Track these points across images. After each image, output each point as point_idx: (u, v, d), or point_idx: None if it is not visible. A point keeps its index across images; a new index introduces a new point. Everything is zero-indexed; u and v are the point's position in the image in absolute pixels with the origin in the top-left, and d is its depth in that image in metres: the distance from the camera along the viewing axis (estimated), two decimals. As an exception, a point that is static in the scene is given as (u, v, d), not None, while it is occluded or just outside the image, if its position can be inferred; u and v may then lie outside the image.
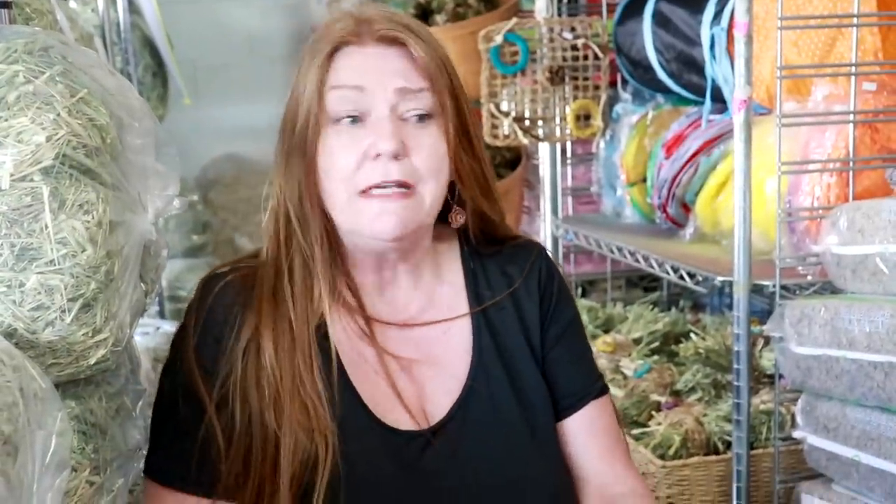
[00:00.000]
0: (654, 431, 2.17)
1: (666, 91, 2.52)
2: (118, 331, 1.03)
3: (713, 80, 2.23)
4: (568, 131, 2.71)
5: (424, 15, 3.10)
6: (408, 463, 1.20)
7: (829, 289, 1.83)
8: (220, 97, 3.79)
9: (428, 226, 1.25)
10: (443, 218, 1.28)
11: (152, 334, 2.50)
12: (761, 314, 2.31)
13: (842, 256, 1.69)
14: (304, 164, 1.20)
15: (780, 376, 1.90)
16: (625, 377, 2.47)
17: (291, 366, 1.19)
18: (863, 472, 1.66)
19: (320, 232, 1.22)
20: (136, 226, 1.05)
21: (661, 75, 2.45)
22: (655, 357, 2.51)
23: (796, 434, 1.81)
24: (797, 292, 1.87)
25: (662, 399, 2.29)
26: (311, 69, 1.20)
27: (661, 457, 2.08)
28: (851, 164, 1.87)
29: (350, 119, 1.19)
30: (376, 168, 1.17)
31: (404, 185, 1.18)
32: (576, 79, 2.69)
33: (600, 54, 2.67)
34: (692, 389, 2.31)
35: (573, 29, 2.67)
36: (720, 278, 1.98)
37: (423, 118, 1.20)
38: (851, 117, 1.86)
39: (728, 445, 2.05)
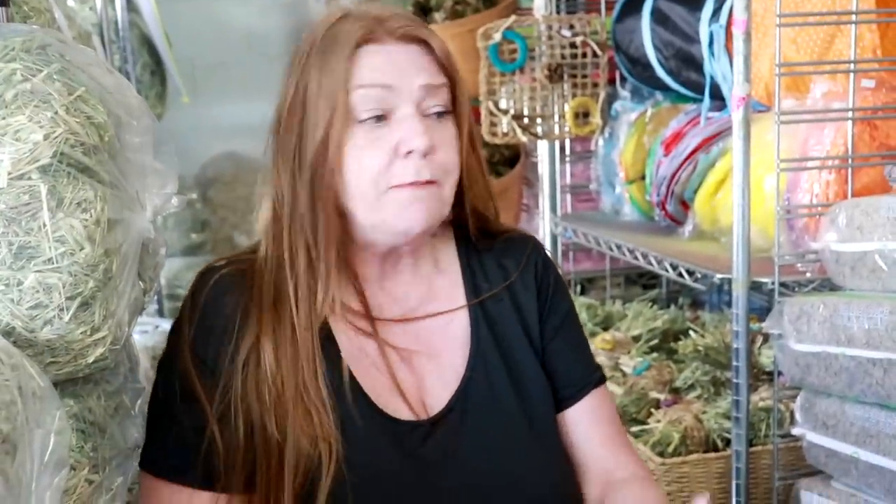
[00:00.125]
0: (653, 429, 2.17)
1: (665, 88, 2.52)
2: (116, 329, 1.03)
3: (712, 78, 2.23)
4: (567, 129, 2.71)
5: (423, 12, 3.10)
6: (409, 452, 1.21)
7: (827, 286, 1.83)
8: (219, 95, 3.79)
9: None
10: None
11: (151, 333, 2.50)
12: (760, 311, 2.31)
13: (840, 253, 1.69)
14: (320, 163, 1.19)
15: (779, 373, 1.90)
16: (624, 374, 2.47)
17: (294, 373, 1.18)
18: (862, 469, 1.67)
19: (331, 230, 1.21)
20: (135, 224, 1.05)
21: (660, 73, 2.45)
22: (654, 354, 2.51)
23: (795, 431, 1.81)
24: (796, 289, 1.87)
25: (661, 396, 2.29)
26: (329, 68, 1.19)
27: (661, 454, 2.08)
28: (850, 161, 1.87)
29: (375, 118, 1.19)
30: (407, 166, 1.18)
31: (431, 182, 1.20)
32: (574, 76, 2.69)
33: (599, 52, 2.67)
34: (691, 387, 2.31)
35: (572, 26, 2.67)
36: (719, 275, 1.98)
37: (441, 114, 1.22)
38: (850, 114, 1.86)
39: (727, 442, 2.05)
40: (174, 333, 1.25)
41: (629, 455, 1.33)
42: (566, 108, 2.69)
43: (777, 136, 1.82)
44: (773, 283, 1.86)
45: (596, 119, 2.70)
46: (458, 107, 1.24)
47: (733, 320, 1.88)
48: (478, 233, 1.33)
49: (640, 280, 3.25)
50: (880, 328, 1.56)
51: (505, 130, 2.68)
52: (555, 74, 2.66)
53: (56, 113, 0.96)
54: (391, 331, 1.27)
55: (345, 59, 1.18)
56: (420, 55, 1.22)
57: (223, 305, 1.22)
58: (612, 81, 2.78)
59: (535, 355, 1.31)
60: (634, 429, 2.21)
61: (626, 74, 2.67)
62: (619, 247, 2.47)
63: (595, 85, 2.70)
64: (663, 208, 2.39)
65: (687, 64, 2.35)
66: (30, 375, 0.86)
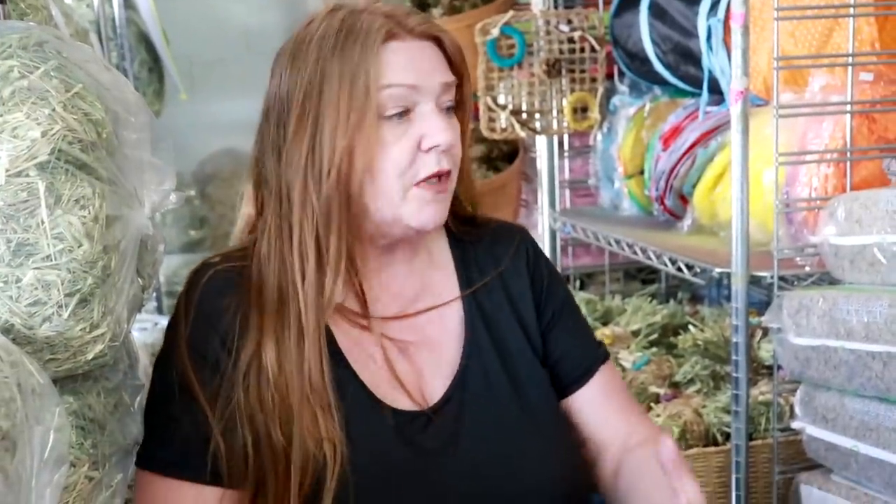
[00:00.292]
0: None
1: (663, 83, 2.52)
2: (116, 326, 1.02)
3: (710, 72, 2.23)
4: (565, 124, 2.71)
5: (421, 8, 3.10)
6: (410, 442, 1.22)
7: (827, 279, 1.83)
8: (217, 92, 3.78)
9: None
10: None
11: (150, 330, 2.50)
12: (759, 305, 2.31)
13: (839, 247, 1.69)
14: (342, 160, 1.18)
15: (779, 367, 1.90)
16: (623, 369, 2.47)
17: (300, 375, 1.18)
18: (861, 462, 1.67)
19: (344, 227, 1.21)
20: (133, 220, 1.05)
21: (658, 67, 2.45)
22: (654, 349, 2.51)
23: (795, 425, 1.81)
24: (795, 283, 1.87)
25: (661, 391, 2.29)
26: (351, 65, 1.18)
27: (660, 449, 2.07)
28: (849, 154, 1.86)
29: (399, 115, 1.20)
30: (430, 160, 1.20)
31: (447, 175, 1.23)
32: (573, 71, 2.69)
33: (597, 46, 2.67)
34: (691, 381, 2.31)
35: (570, 21, 2.66)
36: (718, 270, 1.98)
37: (449, 110, 1.25)
38: (848, 107, 1.85)
39: (727, 437, 2.05)
40: (171, 332, 1.25)
41: (642, 421, 1.36)
42: (564, 103, 2.69)
43: (775, 129, 1.81)
44: (772, 277, 1.86)
45: (594, 114, 2.70)
46: (462, 101, 1.28)
47: (732, 314, 1.88)
48: (466, 225, 1.35)
49: (640, 275, 3.24)
50: (879, 321, 1.56)
51: (503, 126, 2.68)
52: (553, 69, 2.65)
53: (53, 110, 0.96)
54: (388, 325, 1.27)
55: (371, 57, 1.18)
56: (435, 53, 1.24)
57: (220, 307, 1.22)
58: (610, 76, 2.78)
59: (528, 343, 1.33)
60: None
61: (624, 69, 2.67)
62: (618, 242, 2.47)
63: (593, 80, 2.70)
64: (662, 203, 2.39)
65: (685, 58, 2.35)
66: (29, 372, 0.86)
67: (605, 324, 2.68)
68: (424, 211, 1.22)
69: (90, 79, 1.02)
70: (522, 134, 2.73)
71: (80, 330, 0.99)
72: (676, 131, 2.35)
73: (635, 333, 2.58)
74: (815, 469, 1.82)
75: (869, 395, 1.64)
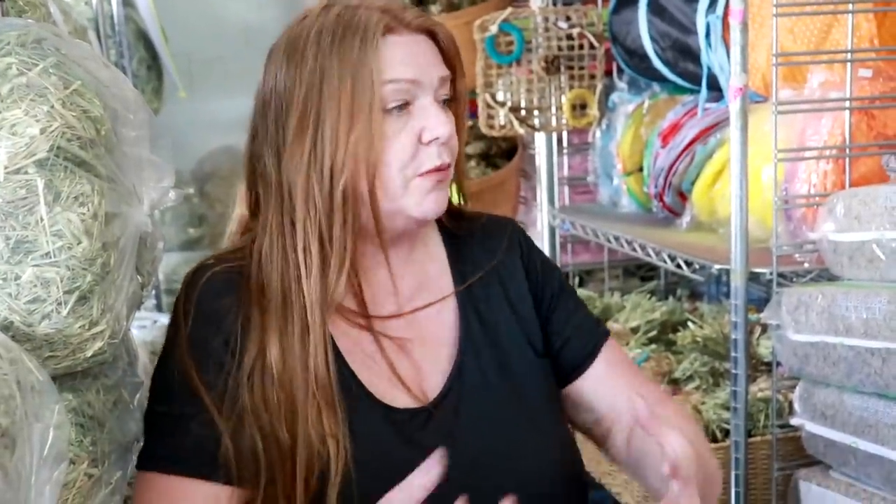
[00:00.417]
0: (652, 420, 2.17)
1: (662, 80, 2.52)
2: (115, 323, 1.02)
3: (709, 69, 2.22)
4: (564, 121, 2.71)
5: (420, 5, 3.09)
6: (410, 439, 1.22)
7: (826, 276, 1.83)
8: (216, 90, 3.78)
9: None
10: None
11: (149, 328, 2.50)
12: (758, 302, 2.31)
13: (838, 243, 1.69)
14: (347, 156, 1.19)
15: (778, 364, 1.90)
16: (623, 366, 2.47)
17: (304, 373, 1.18)
18: (860, 459, 1.67)
19: (348, 222, 1.21)
20: (132, 218, 1.05)
21: (657, 64, 2.44)
22: (653, 346, 2.51)
23: (794, 421, 1.81)
24: (794, 280, 1.87)
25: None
26: (351, 60, 1.19)
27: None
28: (848, 150, 1.86)
29: (398, 108, 1.21)
30: (431, 153, 1.22)
31: (447, 167, 1.24)
32: (571, 68, 2.69)
33: (596, 43, 2.67)
34: (690, 378, 2.31)
35: (568, 18, 2.66)
36: (717, 266, 1.98)
37: (445, 103, 1.26)
38: (847, 104, 1.85)
39: (726, 433, 2.05)
40: (171, 334, 1.24)
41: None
42: (563, 99, 2.69)
43: (774, 126, 1.81)
44: (771, 274, 1.86)
45: (593, 111, 2.70)
46: (457, 95, 1.28)
47: (731, 311, 1.88)
48: (457, 220, 1.36)
49: (639, 272, 3.25)
50: (878, 318, 1.57)
51: (502, 123, 2.68)
52: (552, 66, 2.65)
53: (52, 107, 0.96)
54: (386, 323, 1.27)
55: (371, 52, 1.19)
56: (431, 47, 1.25)
57: (221, 308, 1.21)
58: (609, 73, 2.78)
59: (525, 337, 1.33)
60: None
61: (623, 66, 2.67)
62: (617, 238, 2.47)
63: (592, 77, 2.70)
64: (661, 200, 2.39)
65: (684, 55, 2.35)
66: (28, 370, 0.86)
67: (604, 320, 2.68)
68: (427, 200, 1.23)
69: (89, 76, 1.02)
70: (521, 131, 2.73)
71: (80, 327, 0.99)
72: (675, 128, 2.35)
73: (634, 330, 2.58)
74: (814, 465, 1.83)
75: (868, 392, 1.64)
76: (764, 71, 2.03)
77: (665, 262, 2.21)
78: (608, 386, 1.35)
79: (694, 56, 2.29)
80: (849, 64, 1.85)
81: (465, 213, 1.39)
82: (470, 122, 3.11)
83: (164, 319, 2.52)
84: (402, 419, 1.23)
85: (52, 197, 0.95)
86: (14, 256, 0.95)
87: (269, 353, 1.19)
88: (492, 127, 2.69)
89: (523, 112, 2.69)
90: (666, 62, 2.42)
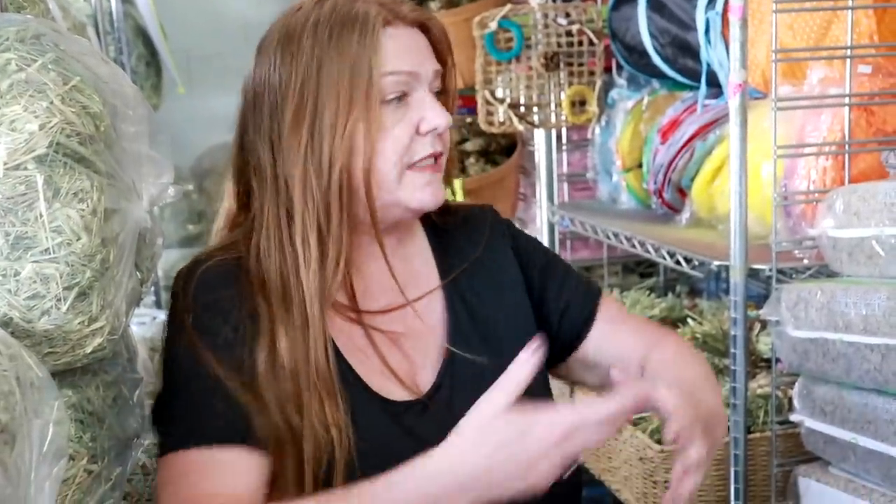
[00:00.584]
0: (651, 416, 2.17)
1: (661, 76, 2.52)
2: (114, 319, 1.02)
3: (708, 65, 2.22)
4: (563, 117, 2.71)
5: (418, 1, 3.09)
6: (408, 432, 1.23)
7: (825, 272, 1.83)
8: (215, 86, 3.76)
9: None
10: None
11: (149, 324, 2.50)
12: (758, 298, 2.31)
13: (838, 239, 1.69)
14: (345, 148, 1.19)
15: (777, 360, 1.90)
16: (622, 363, 2.47)
17: (307, 365, 1.18)
18: (860, 455, 1.67)
19: (344, 215, 1.21)
20: (131, 214, 1.05)
21: (657, 60, 2.44)
22: (652, 342, 2.51)
23: (793, 417, 1.81)
24: (793, 276, 1.87)
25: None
26: (349, 52, 1.19)
27: (659, 441, 2.08)
28: (847, 147, 1.86)
29: (396, 99, 1.22)
30: (426, 143, 1.23)
31: (440, 157, 1.26)
32: (571, 65, 2.68)
33: (595, 40, 2.66)
34: (689, 374, 2.31)
35: (568, 14, 2.66)
36: (716, 263, 1.98)
37: (438, 95, 1.27)
38: (847, 100, 1.85)
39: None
40: (174, 325, 1.23)
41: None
42: (563, 96, 2.69)
43: (774, 122, 1.81)
44: (770, 270, 1.86)
45: (592, 107, 2.69)
46: (447, 88, 1.30)
47: (731, 307, 1.89)
48: (440, 213, 1.36)
49: (638, 268, 3.25)
50: (878, 314, 1.57)
51: (501, 119, 2.68)
52: (551, 63, 2.65)
53: (51, 103, 0.96)
54: (376, 318, 1.28)
55: (371, 45, 1.20)
56: (424, 39, 1.26)
57: (223, 298, 1.21)
58: (608, 70, 2.78)
59: (516, 323, 1.34)
60: (633, 417, 2.22)
61: (622, 62, 2.66)
62: (616, 235, 2.47)
63: (591, 73, 2.69)
64: (660, 196, 2.39)
65: (683, 51, 2.35)
66: (28, 366, 0.86)
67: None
68: (424, 192, 1.24)
69: (88, 72, 1.02)
70: (520, 127, 2.72)
71: (79, 323, 0.99)
72: (675, 124, 2.35)
73: (633, 327, 2.58)
74: (813, 462, 1.83)
75: (867, 388, 1.64)
76: (763, 67, 2.03)
77: (664, 258, 2.21)
78: (612, 342, 1.38)
79: (693, 52, 2.29)
80: (848, 60, 1.85)
81: (446, 206, 1.39)
82: (469, 119, 3.11)
83: (164, 316, 2.52)
84: (398, 411, 1.24)
85: (51, 193, 0.95)
86: (13, 252, 0.95)
87: (280, 344, 1.19)
88: (491, 123, 2.69)
89: (523, 109, 2.69)
90: (665, 59, 2.42)
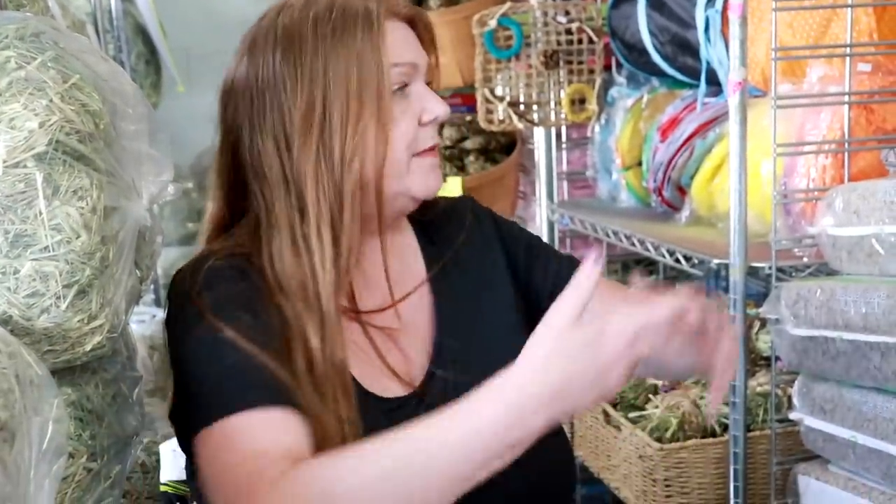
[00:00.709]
0: (651, 415, 2.17)
1: (661, 74, 2.52)
2: (114, 317, 1.02)
3: (708, 63, 2.22)
4: (563, 115, 2.71)
5: (418, 1, 3.09)
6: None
7: (824, 270, 1.83)
8: (215, 84, 3.76)
9: None
10: None
11: (148, 322, 2.50)
12: (757, 296, 2.31)
13: (837, 238, 1.69)
14: (350, 140, 1.19)
15: (777, 358, 1.91)
16: (621, 361, 2.47)
17: (324, 361, 1.17)
18: (859, 453, 1.67)
19: (356, 208, 1.21)
20: (131, 212, 1.05)
21: (656, 58, 2.44)
22: (652, 340, 2.51)
23: (793, 416, 1.81)
24: (793, 274, 1.88)
25: (659, 382, 2.29)
26: (355, 48, 1.20)
27: (659, 440, 2.08)
28: (847, 145, 1.86)
29: (398, 91, 1.24)
30: (427, 132, 1.26)
31: (436, 147, 1.28)
32: (570, 63, 2.68)
33: (595, 38, 2.66)
34: (689, 372, 2.31)
35: (567, 13, 2.66)
36: (716, 261, 1.98)
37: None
38: (846, 98, 1.85)
39: (725, 428, 2.06)
40: (188, 313, 1.17)
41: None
42: (562, 94, 2.69)
43: (773, 120, 1.81)
44: (770, 268, 1.86)
45: (592, 105, 2.69)
46: (431, 82, 1.31)
47: (730, 305, 1.89)
48: (421, 206, 1.36)
49: (638, 266, 3.24)
50: (877, 312, 1.57)
51: (501, 117, 2.68)
52: (551, 61, 2.65)
53: (51, 101, 0.96)
54: (374, 315, 1.28)
55: (376, 38, 1.21)
56: (413, 33, 1.28)
57: (240, 291, 1.18)
58: (608, 68, 2.78)
59: (505, 309, 1.35)
60: (633, 414, 2.22)
61: (622, 60, 2.66)
62: (615, 233, 2.47)
63: (591, 71, 2.69)
64: (660, 194, 2.39)
65: (683, 49, 2.35)
66: (27, 363, 0.86)
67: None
68: (429, 178, 1.26)
69: (87, 69, 1.02)
70: (520, 125, 2.73)
71: (79, 321, 0.98)
72: (674, 122, 2.35)
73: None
74: (812, 460, 1.83)
75: (867, 386, 1.64)
76: (763, 65, 2.03)
77: (664, 256, 2.21)
78: (601, 309, 1.38)
79: (693, 50, 2.29)
80: (848, 58, 1.85)
81: (426, 200, 1.38)
82: (469, 117, 3.11)
83: (163, 314, 2.52)
84: (391, 408, 1.23)
85: (50, 191, 0.95)
86: (13, 250, 0.95)
87: (312, 344, 1.17)
88: (490, 121, 2.69)
89: (522, 107, 2.69)
90: (665, 57, 2.42)
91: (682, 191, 2.34)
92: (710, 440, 2.08)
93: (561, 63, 2.67)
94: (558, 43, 2.66)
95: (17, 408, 0.81)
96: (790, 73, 1.98)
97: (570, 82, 2.68)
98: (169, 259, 3.48)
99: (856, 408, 1.66)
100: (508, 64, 2.67)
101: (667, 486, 2.07)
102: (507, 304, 1.36)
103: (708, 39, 2.19)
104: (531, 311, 1.35)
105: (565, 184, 3.02)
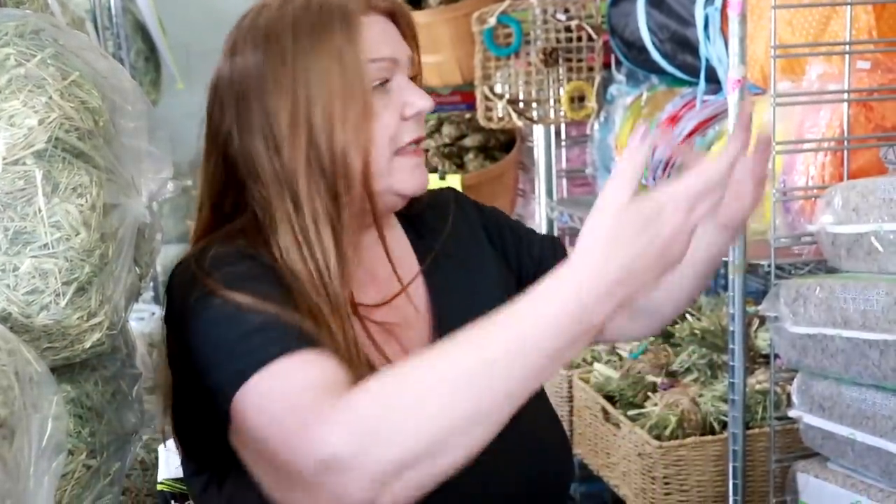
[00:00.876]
0: (650, 412, 2.17)
1: (660, 72, 2.52)
2: (113, 314, 1.02)
3: (707, 61, 2.22)
4: (562, 113, 2.71)
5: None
6: None
7: (824, 268, 1.83)
8: (214, 82, 3.77)
9: None
10: None
11: (147, 319, 2.50)
12: (756, 294, 2.32)
13: (837, 235, 1.69)
14: (336, 137, 1.19)
15: (776, 356, 1.91)
16: (620, 358, 2.48)
17: (339, 353, 1.17)
18: (858, 451, 1.67)
19: (349, 206, 1.20)
20: (131, 209, 1.05)
21: (655, 56, 2.44)
22: (651, 338, 2.51)
23: (792, 413, 1.81)
24: (792, 272, 1.88)
25: (658, 380, 2.29)
26: (332, 46, 1.19)
27: (658, 437, 2.08)
28: (846, 143, 1.86)
29: (379, 86, 1.22)
30: (410, 127, 1.24)
31: (421, 141, 1.27)
32: (570, 60, 2.68)
33: (594, 35, 2.66)
34: (688, 370, 2.31)
35: (567, 10, 2.66)
36: (715, 259, 1.98)
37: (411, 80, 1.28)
38: (846, 96, 1.85)
39: (724, 425, 2.06)
40: (199, 293, 1.12)
41: None
42: (562, 92, 2.69)
43: (773, 118, 1.81)
44: (769, 266, 1.86)
45: (591, 103, 2.70)
46: (418, 77, 1.30)
47: (729, 303, 1.89)
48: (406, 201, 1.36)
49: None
50: (876, 309, 1.57)
51: (500, 115, 2.68)
52: (550, 58, 2.65)
53: (50, 98, 0.96)
54: (373, 311, 1.28)
55: (354, 33, 1.20)
56: (395, 27, 1.27)
57: (250, 269, 1.15)
58: (607, 65, 2.78)
59: (496, 293, 1.33)
60: (631, 412, 2.22)
61: (621, 58, 2.66)
62: (615, 231, 2.46)
63: (590, 69, 2.70)
64: (659, 192, 2.39)
65: (682, 47, 2.35)
66: (27, 360, 0.86)
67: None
68: (413, 176, 1.25)
69: (87, 67, 1.02)
70: (519, 123, 2.73)
71: (78, 318, 0.99)
72: (674, 120, 2.35)
73: (632, 322, 2.58)
74: (811, 457, 1.83)
75: (866, 384, 1.64)
76: (762, 63, 2.03)
77: (663, 254, 2.21)
78: None
79: (692, 48, 2.29)
80: (847, 56, 1.85)
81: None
82: (468, 115, 3.11)
83: (162, 312, 2.52)
84: None
85: (50, 188, 0.95)
86: (12, 247, 0.95)
87: (337, 337, 1.15)
88: (490, 119, 2.69)
89: (521, 104, 2.69)
90: (664, 54, 2.42)
91: (681, 188, 2.34)
92: (709, 438, 2.08)
93: (560, 61, 2.67)
94: (558, 41, 2.66)
95: (17, 405, 0.81)
96: (789, 71, 1.98)
97: (569, 80, 2.68)
98: (168, 256, 3.46)
99: (855, 405, 1.66)
100: (508, 61, 2.67)
101: (666, 483, 2.07)
102: (502, 289, 1.35)
103: (707, 37, 2.19)
104: (523, 289, 1.35)
105: (564, 181, 3.02)
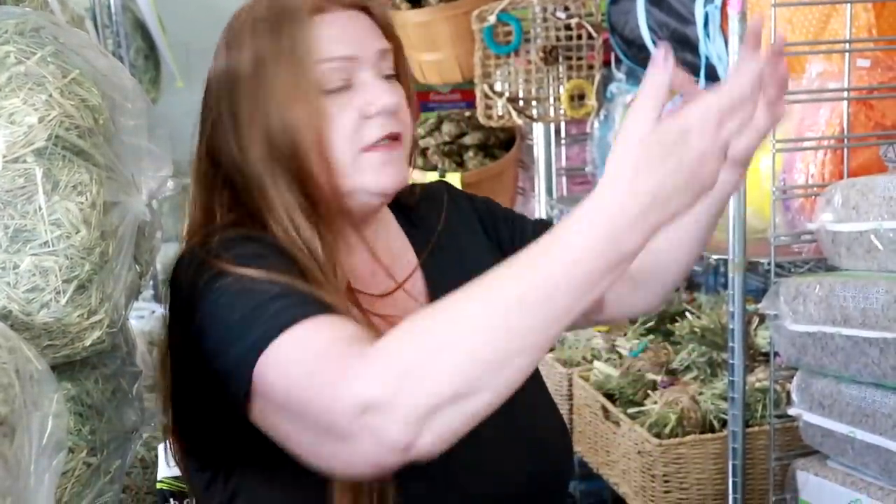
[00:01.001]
0: (649, 410, 2.18)
1: (660, 70, 2.52)
2: (113, 312, 1.02)
3: (707, 59, 2.22)
4: (562, 111, 2.71)
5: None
6: None
7: (823, 266, 1.83)
8: (214, 80, 3.76)
9: None
10: None
11: (147, 318, 2.50)
12: (756, 292, 2.32)
13: (836, 233, 1.69)
14: (290, 139, 1.18)
15: (776, 354, 1.91)
16: (620, 356, 2.48)
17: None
18: (858, 449, 1.67)
19: (322, 200, 1.20)
20: (131, 207, 1.05)
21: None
22: (651, 336, 2.52)
23: (791, 411, 1.82)
24: (792, 270, 1.88)
25: (658, 378, 2.29)
26: (283, 45, 1.18)
27: (657, 435, 2.08)
28: (846, 141, 1.86)
29: (341, 88, 1.20)
30: (375, 124, 1.20)
31: (397, 137, 1.22)
32: (570, 58, 2.68)
33: (594, 34, 2.66)
34: (688, 368, 2.31)
35: (566, 8, 2.66)
36: (715, 257, 1.99)
37: (389, 77, 1.25)
38: (846, 94, 1.85)
39: (724, 423, 2.06)
40: (212, 273, 1.10)
41: None
42: (561, 90, 2.69)
43: (772, 116, 1.81)
44: (768, 264, 1.86)
45: (591, 101, 2.70)
46: (401, 70, 1.27)
47: (729, 301, 1.89)
48: (399, 194, 1.35)
49: (636, 262, 3.24)
50: (876, 308, 1.57)
51: (500, 113, 2.68)
52: (550, 57, 2.65)
53: (50, 96, 0.96)
54: (374, 304, 1.27)
55: (301, 33, 1.18)
56: (368, 21, 1.24)
57: (258, 248, 1.14)
58: (607, 63, 2.78)
59: None
60: (631, 410, 2.22)
61: (621, 56, 2.66)
62: (615, 229, 2.46)
63: (590, 67, 2.70)
64: (659, 190, 2.39)
65: (682, 45, 2.35)
66: (27, 358, 0.86)
67: (602, 311, 2.68)
68: (381, 173, 1.21)
69: (87, 65, 1.02)
70: (519, 121, 2.73)
71: (78, 316, 0.99)
72: (673, 118, 2.35)
73: (632, 321, 2.58)
74: (811, 455, 1.83)
75: (865, 382, 1.64)
76: (762, 61, 2.02)
77: (663, 252, 2.21)
78: None
79: (692, 46, 2.28)
80: (847, 54, 1.85)
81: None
82: (468, 113, 3.11)
83: (162, 310, 2.52)
84: None
85: (50, 186, 0.95)
86: (13, 245, 0.95)
87: (353, 313, 1.14)
88: (490, 117, 2.69)
89: (521, 102, 2.69)
90: (664, 52, 2.41)
91: (681, 186, 2.34)
92: (709, 436, 2.08)
93: (560, 59, 2.67)
94: (557, 39, 2.66)
95: (17, 403, 0.81)
96: (789, 69, 1.98)
97: (569, 78, 2.68)
98: (168, 254, 3.45)
99: (854, 403, 1.66)
100: (508, 60, 2.67)
101: (665, 481, 2.07)
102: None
103: (707, 35, 2.19)
104: None
105: (564, 179, 3.02)
